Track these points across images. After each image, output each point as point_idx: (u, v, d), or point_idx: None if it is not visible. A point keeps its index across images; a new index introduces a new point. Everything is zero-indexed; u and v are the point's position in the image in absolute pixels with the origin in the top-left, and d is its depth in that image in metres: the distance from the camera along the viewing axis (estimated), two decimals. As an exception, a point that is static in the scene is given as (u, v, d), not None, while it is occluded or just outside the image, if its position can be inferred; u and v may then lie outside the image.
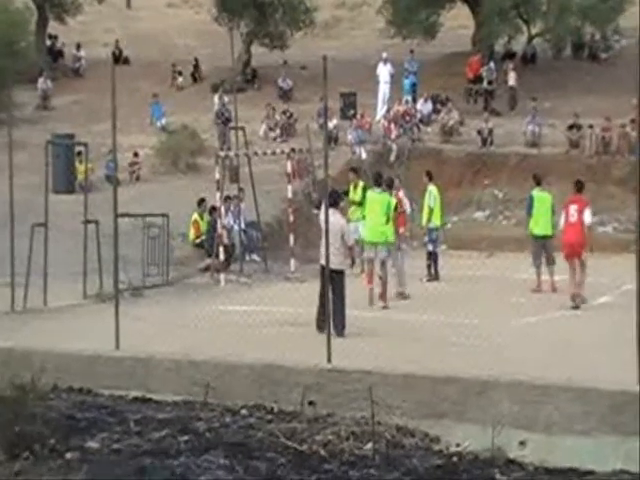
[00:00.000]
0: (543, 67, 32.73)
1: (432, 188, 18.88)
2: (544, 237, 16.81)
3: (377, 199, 15.87)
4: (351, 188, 19.04)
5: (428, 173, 19.53)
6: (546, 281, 16.73)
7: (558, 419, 9.55)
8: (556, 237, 16.71)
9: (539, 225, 16.87)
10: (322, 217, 12.75)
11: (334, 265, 12.43)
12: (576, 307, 15.12)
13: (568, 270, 15.59)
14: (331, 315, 11.79)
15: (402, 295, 16.48)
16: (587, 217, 15.36)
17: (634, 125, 23.78)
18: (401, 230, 16.91)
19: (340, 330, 12.57)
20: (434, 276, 18.57)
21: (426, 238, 18.79)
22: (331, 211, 12.80)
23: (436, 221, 18.83)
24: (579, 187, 15.91)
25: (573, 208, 15.49)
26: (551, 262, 16.77)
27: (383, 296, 15.63)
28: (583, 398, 9.62)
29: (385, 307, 15.50)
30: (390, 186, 16.55)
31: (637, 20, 33.06)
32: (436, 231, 18.93)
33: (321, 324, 12.53)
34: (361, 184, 18.98)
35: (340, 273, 12.95)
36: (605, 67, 31.71)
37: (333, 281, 12.68)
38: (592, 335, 12.77)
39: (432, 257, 18.71)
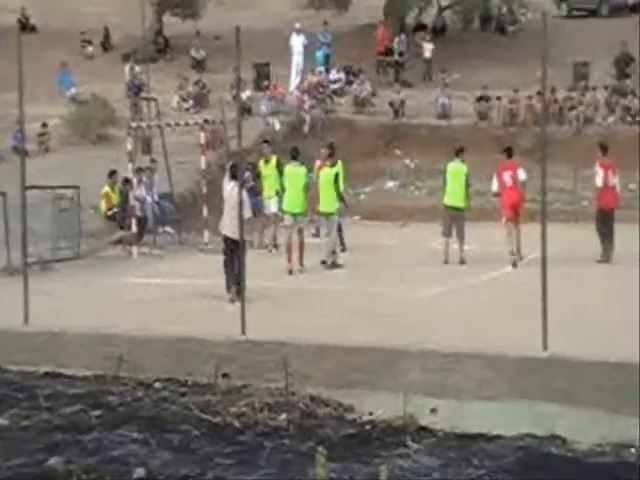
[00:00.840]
0: (452, 39, 33.02)
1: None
2: (455, 208, 16.97)
3: (295, 172, 16.61)
4: (262, 162, 18.84)
5: (330, 146, 19.41)
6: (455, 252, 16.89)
7: (467, 386, 9.78)
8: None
9: (451, 196, 17.05)
10: (225, 189, 13.92)
11: (237, 235, 12.81)
12: (515, 264, 16.06)
13: (505, 230, 16.53)
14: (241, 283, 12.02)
15: (334, 264, 16.58)
16: (522, 175, 16.56)
17: (540, 97, 24.24)
18: None
19: (236, 295, 12.91)
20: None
21: None
22: (232, 183, 13.70)
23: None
24: (509, 153, 17.02)
25: (507, 174, 16.59)
26: (460, 235, 16.88)
27: (300, 260, 16.26)
28: (491, 365, 9.86)
29: (301, 270, 16.10)
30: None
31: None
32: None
33: (229, 288, 13.41)
34: (274, 158, 18.79)
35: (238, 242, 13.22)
36: (512, 40, 32.18)
37: (236, 250, 13.17)
38: (499, 304, 13.03)
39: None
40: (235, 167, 14.03)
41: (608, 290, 13.74)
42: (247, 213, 13.38)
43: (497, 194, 17.02)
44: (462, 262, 16.62)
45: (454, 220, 16.95)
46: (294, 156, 16.98)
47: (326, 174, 16.79)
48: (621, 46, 29.41)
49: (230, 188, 13.86)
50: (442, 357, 9.97)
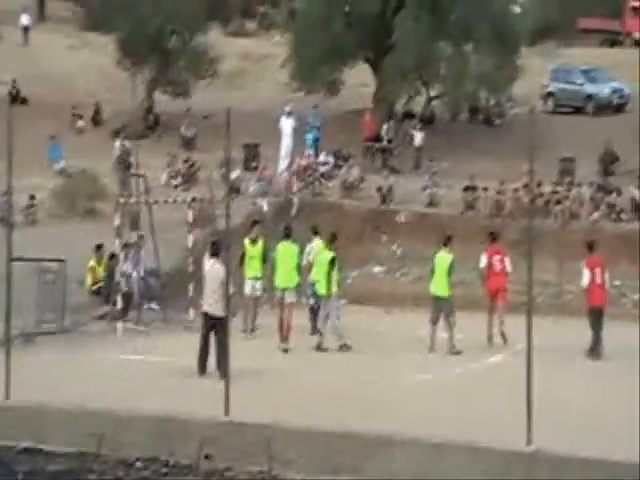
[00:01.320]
0: (441, 129, 33.54)
1: (317, 242, 18.81)
2: (439, 298, 16.98)
3: (288, 249, 17.30)
4: (248, 242, 18.35)
5: (313, 228, 19.56)
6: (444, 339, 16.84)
7: (452, 477, 9.69)
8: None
9: (435, 285, 17.11)
10: (206, 266, 14.38)
11: (216, 312, 13.44)
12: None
13: (488, 312, 17.22)
14: (223, 363, 12.28)
15: (345, 346, 16.67)
16: (508, 266, 17.46)
17: (526, 190, 24.54)
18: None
19: (222, 373, 12.78)
20: (316, 330, 18.39)
21: (308, 292, 18.66)
22: (212, 261, 14.23)
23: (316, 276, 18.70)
24: (494, 237, 18.16)
25: (496, 258, 17.51)
26: (448, 323, 16.83)
27: (286, 337, 16.62)
28: (477, 456, 9.79)
29: (286, 350, 16.39)
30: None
31: (529, 88, 34.49)
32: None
33: (202, 367, 13.77)
34: (261, 239, 18.68)
35: (221, 319, 13.35)
36: (499, 132, 32.73)
37: (215, 327, 13.62)
38: (485, 395, 12.97)
39: (314, 311, 18.59)
40: (216, 244, 14.40)
41: (596, 385, 13.74)
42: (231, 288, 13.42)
43: (482, 274, 17.63)
44: (454, 351, 16.47)
45: (439, 309, 16.97)
46: (287, 234, 17.65)
47: (324, 257, 17.05)
48: (605, 144, 29.97)
49: (210, 265, 14.24)
50: (428, 447, 9.90)
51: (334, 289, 16.97)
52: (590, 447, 9.75)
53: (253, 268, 18.24)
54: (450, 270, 16.98)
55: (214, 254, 14.30)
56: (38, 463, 9.63)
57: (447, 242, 17.41)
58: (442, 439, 10.03)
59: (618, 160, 29.69)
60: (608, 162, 29.73)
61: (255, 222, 19.60)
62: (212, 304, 13.81)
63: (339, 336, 16.77)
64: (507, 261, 17.46)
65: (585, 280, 16.60)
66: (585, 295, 16.84)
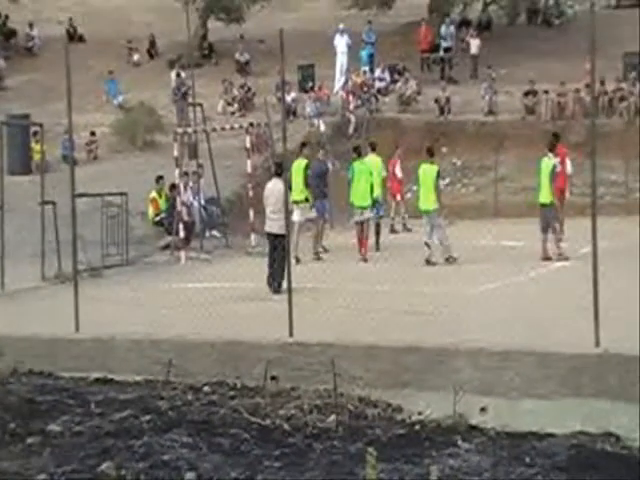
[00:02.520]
0: (498, 34, 32.76)
1: (376, 160, 18.96)
2: (543, 205, 16.49)
3: (364, 168, 17.96)
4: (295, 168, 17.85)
5: (371, 144, 19.67)
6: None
7: (518, 384, 9.64)
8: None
9: (540, 193, 16.61)
10: (268, 184, 14.97)
11: (276, 230, 13.92)
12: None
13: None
14: (277, 279, 13.33)
15: (452, 258, 16.72)
16: (569, 168, 17.81)
17: (588, 90, 23.91)
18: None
19: (277, 288, 13.91)
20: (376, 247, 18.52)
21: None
22: (274, 180, 14.69)
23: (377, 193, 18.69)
24: (557, 139, 17.47)
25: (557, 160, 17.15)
26: (553, 229, 16.47)
27: (364, 250, 17.53)
28: (543, 362, 9.71)
29: (365, 260, 17.40)
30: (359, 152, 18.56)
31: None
32: (378, 202, 18.82)
33: (270, 282, 14.26)
34: (305, 161, 18.15)
35: (282, 237, 13.57)
36: (559, 33, 31.83)
37: (275, 245, 14.05)
38: (551, 301, 12.85)
39: (376, 228, 18.68)
40: (280, 165, 14.44)
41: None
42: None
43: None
44: (561, 258, 16.17)
45: (545, 217, 16.48)
46: (359, 153, 18.43)
47: (427, 170, 17.05)
48: None
49: (272, 184, 14.70)
50: (493, 355, 9.84)
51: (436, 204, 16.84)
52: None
53: (300, 190, 17.93)
54: (551, 176, 16.50)
55: (277, 174, 14.68)
56: (109, 393, 9.81)
57: (552, 147, 16.86)
58: (506, 346, 9.96)
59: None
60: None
61: (304, 144, 19.48)
62: (273, 223, 14.24)
63: (445, 248, 16.70)
64: (568, 163, 17.16)
65: None
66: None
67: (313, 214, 17.93)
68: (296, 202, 17.45)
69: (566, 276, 14.55)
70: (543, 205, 16.51)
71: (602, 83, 24.85)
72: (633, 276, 14.11)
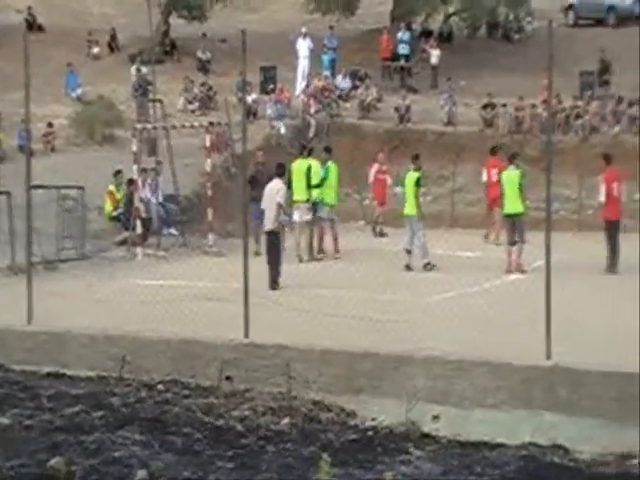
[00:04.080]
0: (459, 46, 33.02)
1: (330, 165, 19.02)
2: (511, 215, 16.68)
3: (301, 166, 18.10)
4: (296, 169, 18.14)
5: (326, 148, 19.81)
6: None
7: (471, 393, 9.76)
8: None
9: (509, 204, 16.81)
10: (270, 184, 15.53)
11: (269, 226, 14.82)
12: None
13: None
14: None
15: (430, 265, 16.80)
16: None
17: (545, 105, 24.23)
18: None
19: (271, 284, 14.41)
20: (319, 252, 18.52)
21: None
22: (275, 180, 15.48)
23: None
24: (493, 152, 19.77)
25: (494, 171, 18.67)
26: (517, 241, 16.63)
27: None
28: (495, 373, 9.84)
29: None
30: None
31: (549, 2, 33.75)
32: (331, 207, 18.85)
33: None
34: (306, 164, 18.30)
35: (273, 234, 14.77)
36: (518, 48, 32.19)
37: (269, 241, 14.89)
38: (505, 312, 12.98)
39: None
40: (282, 166, 15.94)
41: (613, 299, 13.71)
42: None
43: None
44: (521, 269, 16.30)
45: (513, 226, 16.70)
46: (308, 153, 18.75)
47: (409, 177, 17.42)
48: (599, 54, 29.08)
49: (272, 184, 15.40)
50: (446, 364, 9.95)
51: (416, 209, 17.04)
52: (609, 360, 9.76)
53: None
54: (521, 187, 16.62)
55: (278, 174, 15.67)
56: (61, 387, 9.73)
57: (512, 160, 17.04)
58: (460, 356, 10.07)
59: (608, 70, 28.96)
60: (601, 72, 29.08)
61: (328, 149, 20.02)
62: (266, 221, 15.09)
63: (425, 255, 16.78)
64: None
65: (602, 196, 16.45)
66: (602, 209, 16.72)
67: (309, 216, 17.89)
68: (296, 202, 17.51)
69: (520, 288, 14.71)
70: (511, 215, 16.65)
71: (559, 100, 25.20)
72: (585, 290, 14.38)
